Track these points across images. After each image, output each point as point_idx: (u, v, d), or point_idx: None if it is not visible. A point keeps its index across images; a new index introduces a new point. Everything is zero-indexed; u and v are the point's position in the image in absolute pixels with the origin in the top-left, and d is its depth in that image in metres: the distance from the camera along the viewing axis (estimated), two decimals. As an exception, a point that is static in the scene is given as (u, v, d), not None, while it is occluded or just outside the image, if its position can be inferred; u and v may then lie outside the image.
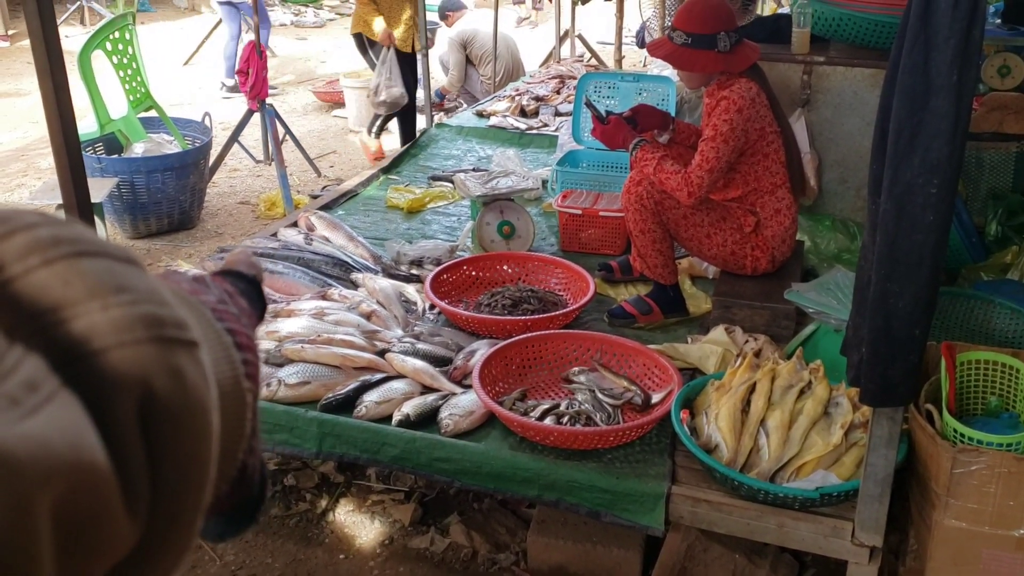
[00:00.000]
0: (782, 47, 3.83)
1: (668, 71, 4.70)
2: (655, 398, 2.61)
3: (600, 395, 2.62)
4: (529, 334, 2.90)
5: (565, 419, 2.51)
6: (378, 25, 5.81)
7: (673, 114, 4.22)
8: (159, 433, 0.39)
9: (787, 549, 2.44)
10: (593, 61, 8.32)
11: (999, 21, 5.29)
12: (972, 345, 2.43)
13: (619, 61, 7.22)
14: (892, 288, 1.84)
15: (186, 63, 9.52)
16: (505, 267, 3.53)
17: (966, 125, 1.77)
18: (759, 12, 6.88)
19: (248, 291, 0.73)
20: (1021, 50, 4.51)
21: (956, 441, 2.10)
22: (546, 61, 8.11)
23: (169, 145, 5.21)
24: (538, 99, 6.33)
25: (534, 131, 5.66)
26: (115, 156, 5.02)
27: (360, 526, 2.81)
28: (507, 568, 2.64)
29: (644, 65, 8.33)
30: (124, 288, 0.39)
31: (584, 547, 2.51)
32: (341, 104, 7.69)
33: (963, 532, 2.10)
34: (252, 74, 5.36)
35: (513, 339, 2.85)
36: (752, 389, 2.42)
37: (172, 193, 5.02)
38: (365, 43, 6.12)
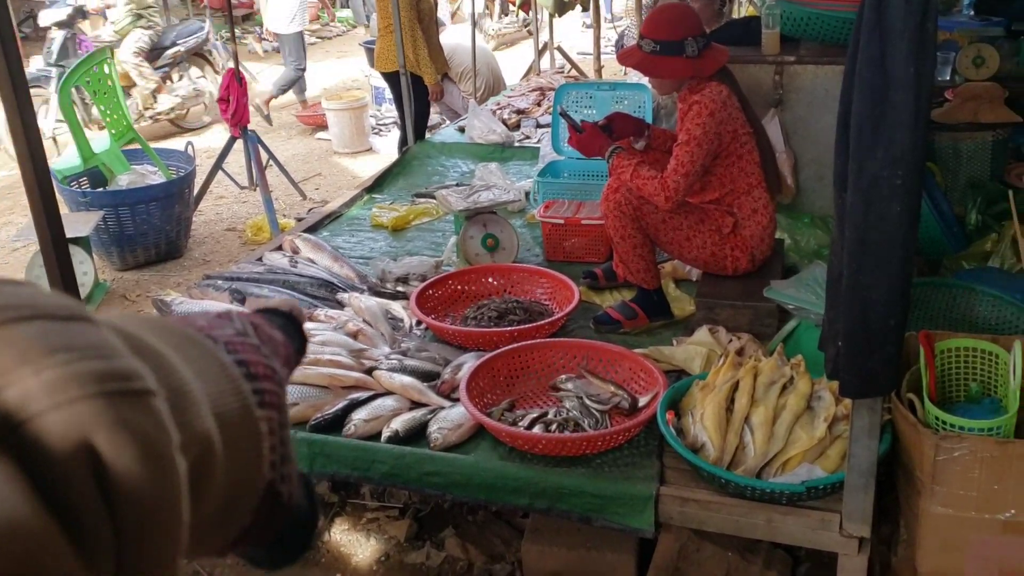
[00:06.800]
0: (753, 49, 3.87)
1: (645, 78, 4.74)
2: (642, 401, 2.63)
3: (588, 401, 2.63)
4: (515, 344, 2.91)
5: (553, 427, 2.53)
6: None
7: (650, 120, 4.26)
8: (112, 485, 0.39)
9: (781, 545, 2.46)
10: (573, 72, 8.36)
11: (972, 13, 5.36)
12: (952, 333, 2.46)
13: (598, 71, 7.28)
14: (865, 280, 1.86)
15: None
16: (490, 279, 3.54)
17: (927, 115, 1.80)
18: (736, 14, 6.95)
19: (286, 326, 0.73)
20: (994, 40, 4.55)
21: (938, 428, 2.11)
22: (527, 74, 8.15)
23: (153, 176, 5.23)
24: (519, 112, 6.37)
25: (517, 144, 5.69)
26: (100, 189, 5.04)
27: (356, 544, 2.82)
28: (503, 578, 2.65)
29: (624, 74, 8.37)
30: (58, 349, 0.39)
31: (578, 553, 2.52)
32: (324, 127, 7.73)
33: (950, 518, 2.11)
34: (233, 101, 5.40)
35: (499, 350, 2.86)
36: (736, 387, 2.44)
37: (158, 223, 5.03)
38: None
